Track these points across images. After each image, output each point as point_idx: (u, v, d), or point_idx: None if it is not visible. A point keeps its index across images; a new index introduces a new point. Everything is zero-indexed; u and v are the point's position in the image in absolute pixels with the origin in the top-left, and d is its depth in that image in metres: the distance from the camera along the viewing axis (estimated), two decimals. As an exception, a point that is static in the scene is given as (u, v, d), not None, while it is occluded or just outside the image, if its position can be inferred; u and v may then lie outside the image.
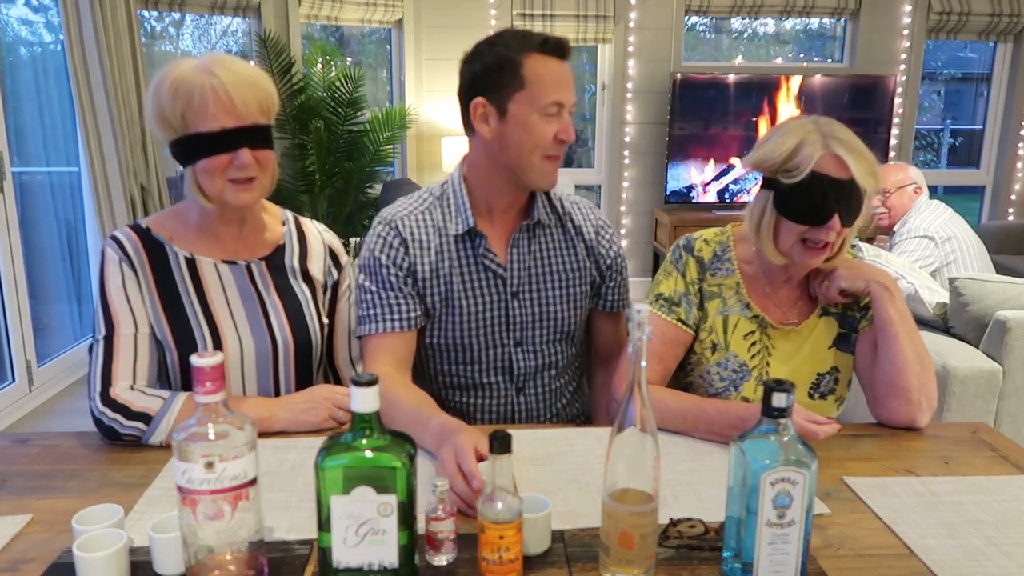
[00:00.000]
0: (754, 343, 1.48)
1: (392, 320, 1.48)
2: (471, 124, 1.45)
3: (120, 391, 1.34)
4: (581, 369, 1.73)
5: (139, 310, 1.40)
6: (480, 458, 1.12)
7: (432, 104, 5.22)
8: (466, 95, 1.45)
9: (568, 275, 1.57)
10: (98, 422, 1.33)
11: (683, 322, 1.49)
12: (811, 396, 1.49)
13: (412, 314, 1.49)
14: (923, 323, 2.65)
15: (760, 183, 1.42)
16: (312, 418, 1.40)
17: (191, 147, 1.34)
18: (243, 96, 1.32)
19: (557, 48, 1.41)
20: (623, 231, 5.59)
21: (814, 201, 1.33)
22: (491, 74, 1.41)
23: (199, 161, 1.34)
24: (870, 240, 3.80)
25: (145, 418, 1.32)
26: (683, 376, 1.56)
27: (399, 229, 1.50)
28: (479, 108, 1.43)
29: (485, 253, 1.51)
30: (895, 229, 3.30)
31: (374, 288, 1.49)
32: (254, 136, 1.35)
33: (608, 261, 1.60)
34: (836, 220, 1.34)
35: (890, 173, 3.33)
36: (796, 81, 5.18)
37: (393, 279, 1.49)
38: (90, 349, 1.39)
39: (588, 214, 1.61)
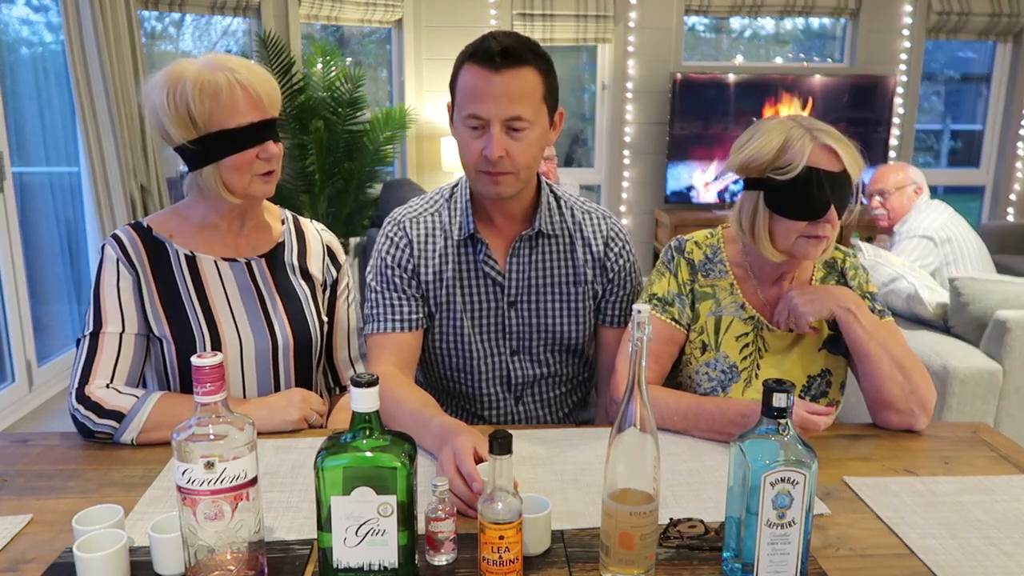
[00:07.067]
0: (747, 344, 1.48)
1: (395, 320, 1.48)
2: None
3: (95, 388, 1.35)
4: (588, 380, 1.68)
5: (129, 311, 1.40)
6: (480, 460, 1.12)
7: (432, 104, 5.22)
8: None
9: (570, 288, 1.53)
10: (73, 418, 1.34)
11: (677, 321, 1.49)
12: (801, 399, 1.47)
13: (415, 315, 1.49)
14: (923, 323, 2.66)
15: (744, 185, 1.42)
16: (287, 416, 1.39)
17: (215, 144, 1.34)
18: (266, 90, 1.36)
19: (486, 57, 1.33)
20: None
21: (811, 196, 1.33)
22: (451, 80, 1.42)
23: (226, 158, 1.35)
24: (870, 240, 3.80)
25: (117, 416, 1.32)
26: (672, 376, 1.55)
27: (406, 230, 1.51)
28: (448, 111, 1.44)
29: (485, 260, 1.50)
30: (895, 229, 3.30)
31: (379, 288, 1.50)
32: (273, 128, 1.39)
33: (610, 275, 1.55)
34: (833, 212, 1.34)
35: (889, 174, 3.32)
36: (796, 81, 5.18)
37: (397, 280, 1.49)
38: (77, 343, 1.40)
39: (599, 224, 1.56)
